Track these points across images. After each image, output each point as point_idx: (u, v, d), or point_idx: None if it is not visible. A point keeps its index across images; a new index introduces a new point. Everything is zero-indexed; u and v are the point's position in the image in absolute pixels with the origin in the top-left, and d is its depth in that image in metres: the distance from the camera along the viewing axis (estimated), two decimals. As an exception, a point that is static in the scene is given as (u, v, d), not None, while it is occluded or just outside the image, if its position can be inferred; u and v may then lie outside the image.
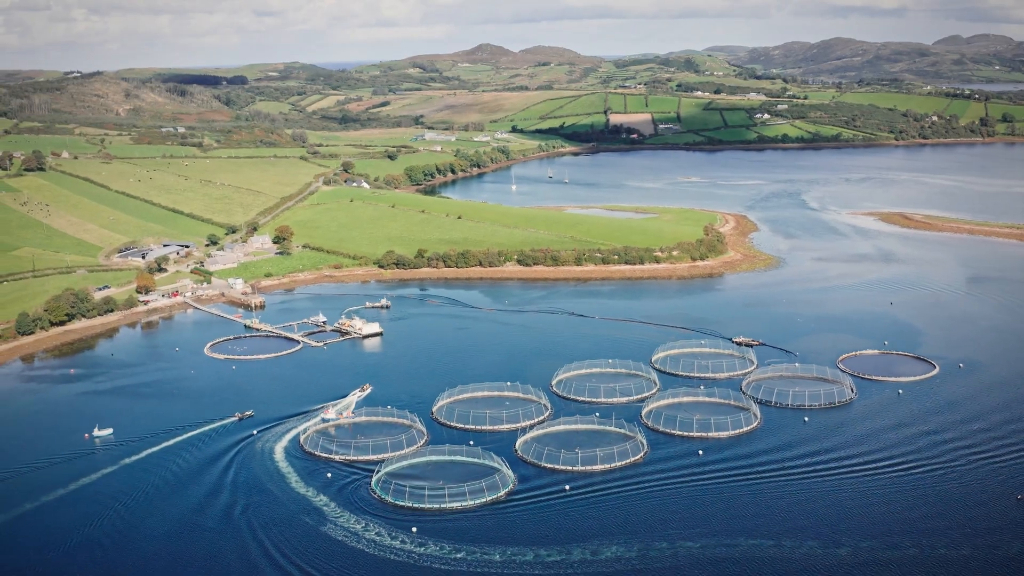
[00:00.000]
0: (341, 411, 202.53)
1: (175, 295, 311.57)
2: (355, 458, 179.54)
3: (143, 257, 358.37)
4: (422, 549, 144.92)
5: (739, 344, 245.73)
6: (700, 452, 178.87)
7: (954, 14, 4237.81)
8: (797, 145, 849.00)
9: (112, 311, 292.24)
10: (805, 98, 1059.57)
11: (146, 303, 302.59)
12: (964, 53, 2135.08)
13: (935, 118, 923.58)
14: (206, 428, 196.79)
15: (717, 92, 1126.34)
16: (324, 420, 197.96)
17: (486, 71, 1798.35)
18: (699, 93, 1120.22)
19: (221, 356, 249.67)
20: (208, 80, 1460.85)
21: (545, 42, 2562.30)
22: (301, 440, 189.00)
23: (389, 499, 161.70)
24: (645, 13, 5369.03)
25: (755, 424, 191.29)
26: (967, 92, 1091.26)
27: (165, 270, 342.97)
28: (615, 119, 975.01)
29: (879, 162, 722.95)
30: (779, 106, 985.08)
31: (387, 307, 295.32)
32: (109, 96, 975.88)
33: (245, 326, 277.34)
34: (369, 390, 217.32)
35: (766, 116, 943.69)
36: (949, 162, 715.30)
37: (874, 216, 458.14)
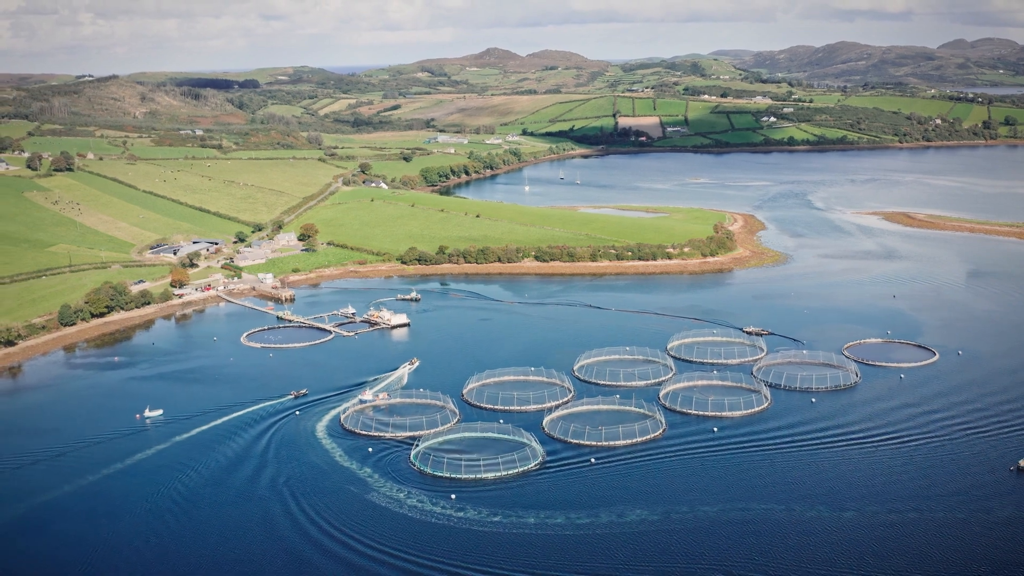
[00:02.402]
0: (388, 387, 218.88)
1: (208, 289, 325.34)
2: (393, 435, 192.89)
3: (174, 253, 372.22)
4: (461, 513, 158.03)
5: (749, 333, 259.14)
6: (715, 429, 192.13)
7: (960, 18, 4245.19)
8: (803, 147, 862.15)
9: (149, 304, 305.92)
10: (810, 102, 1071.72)
11: (180, 296, 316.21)
12: (969, 57, 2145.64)
13: (939, 121, 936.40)
14: (250, 408, 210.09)
15: (724, 96, 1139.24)
16: (362, 401, 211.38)
17: (494, 75, 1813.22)
18: (706, 97, 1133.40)
19: (258, 345, 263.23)
20: (220, 84, 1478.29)
21: (551, 46, 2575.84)
22: (341, 419, 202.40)
23: (428, 470, 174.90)
24: (651, 17, 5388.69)
25: (766, 405, 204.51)
26: (970, 96, 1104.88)
27: (196, 265, 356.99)
28: (624, 122, 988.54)
29: (884, 164, 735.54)
30: (785, 109, 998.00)
31: (417, 300, 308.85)
32: (125, 99, 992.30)
33: (277, 317, 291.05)
34: (417, 363, 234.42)
35: (772, 119, 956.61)
36: (952, 164, 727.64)
37: (878, 215, 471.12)
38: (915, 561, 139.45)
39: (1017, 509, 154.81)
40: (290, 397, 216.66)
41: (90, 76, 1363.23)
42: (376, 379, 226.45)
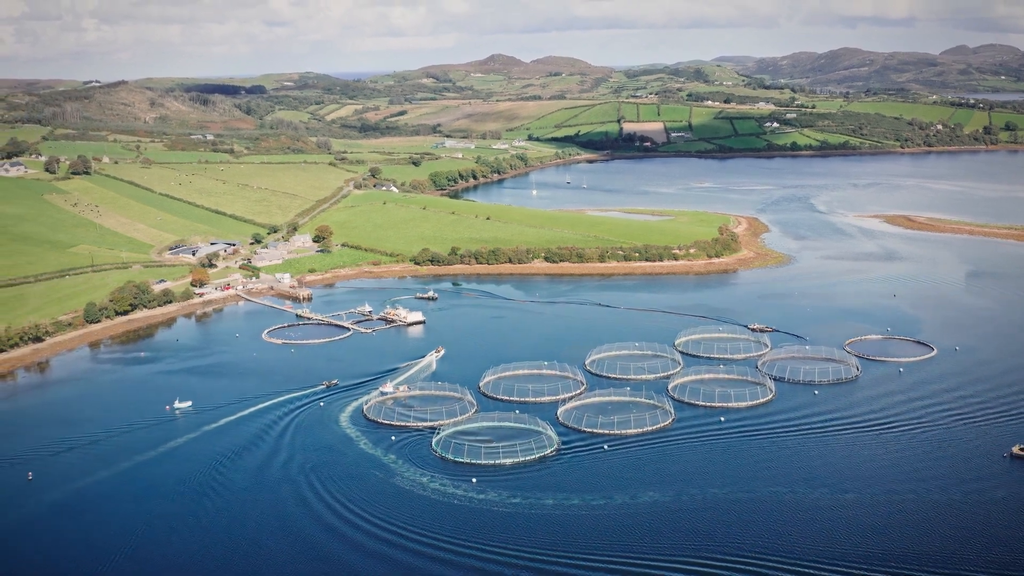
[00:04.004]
0: (416, 375, 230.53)
1: (227, 288, 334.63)
2: (415, 424, 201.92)
3: (193, 254, 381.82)
4: (482, 496, 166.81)
5: (754, 330, 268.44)
6: (722, 419, 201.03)
7: (962, 24, 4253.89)
8: (806, 153, 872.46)
9: (171, 302, 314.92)
10: (813, 107, 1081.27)
11: (201, 295, 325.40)
12: (971, 63, 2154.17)
13: (940, 127, 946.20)
14: (276, 400, 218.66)
15: (727, 101, 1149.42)
16: (383, 393, 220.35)
17: (498, 81, 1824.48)
18: (709, 102, 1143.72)
19: (279, 341, 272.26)
20: (228, 89, 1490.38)
21: (555, 52, 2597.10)
22: (364, 409, 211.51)
23: (449, 456, 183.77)
24: (655, 23, 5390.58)
25: (770, 396, 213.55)
26: (972, 101, 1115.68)
27: (215, 266, 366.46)
28: (628, 127, 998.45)
29: (885, 169, 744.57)
30: (788, 115, 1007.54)
31: (434, 298, 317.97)
32: (135, 104, 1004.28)
33: (296, 315, 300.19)
34: (443, 352, 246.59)
35: (775, 125, 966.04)
36: (953, 169, 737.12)
37: (879, 218, 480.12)
38: (913, 538, 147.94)
39: (1009, 492, 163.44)
40: (322, 387, 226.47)
41: (97, 82, 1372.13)
42: (406, 366, 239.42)
